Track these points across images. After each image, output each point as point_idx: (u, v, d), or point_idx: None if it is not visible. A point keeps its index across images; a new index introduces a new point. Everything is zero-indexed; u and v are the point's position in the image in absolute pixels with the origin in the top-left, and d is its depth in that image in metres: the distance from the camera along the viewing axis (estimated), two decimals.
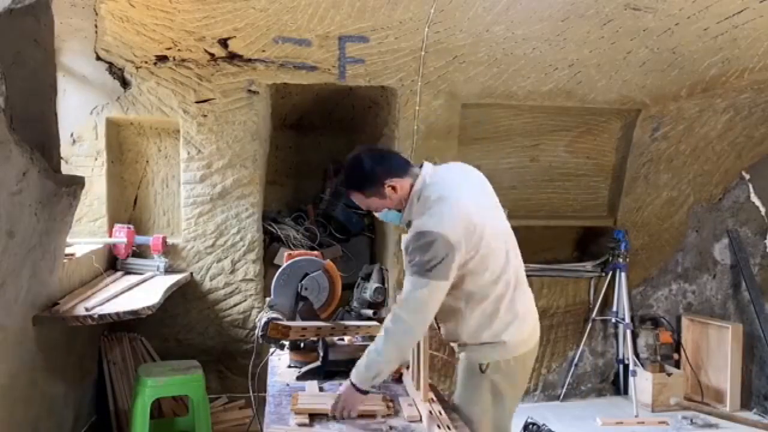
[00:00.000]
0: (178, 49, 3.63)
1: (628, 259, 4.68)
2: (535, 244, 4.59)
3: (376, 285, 2.71)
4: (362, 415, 2.10)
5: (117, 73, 3.76)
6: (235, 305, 4.04)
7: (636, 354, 4.71)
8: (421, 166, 2.27)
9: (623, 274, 4.67)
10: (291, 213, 4.50)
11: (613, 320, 4.81)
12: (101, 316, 2.89)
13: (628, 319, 4.65)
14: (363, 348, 2.53)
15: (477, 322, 2.21)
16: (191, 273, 3.95)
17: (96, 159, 3.83)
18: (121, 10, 3.33)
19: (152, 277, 3.75)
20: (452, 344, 2.33)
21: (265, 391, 2.44)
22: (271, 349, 2.61)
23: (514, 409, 2.38)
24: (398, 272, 3.94)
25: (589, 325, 4.79)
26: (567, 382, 4.80)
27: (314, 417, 2.09)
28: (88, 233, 3.81)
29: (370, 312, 2.70)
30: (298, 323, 2.46)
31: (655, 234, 4.86)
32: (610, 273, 4.76)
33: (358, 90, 4.09)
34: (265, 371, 2.59)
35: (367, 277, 2.79)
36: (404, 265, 2.20)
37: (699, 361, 4.88)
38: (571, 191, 4.75)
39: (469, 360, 2.27)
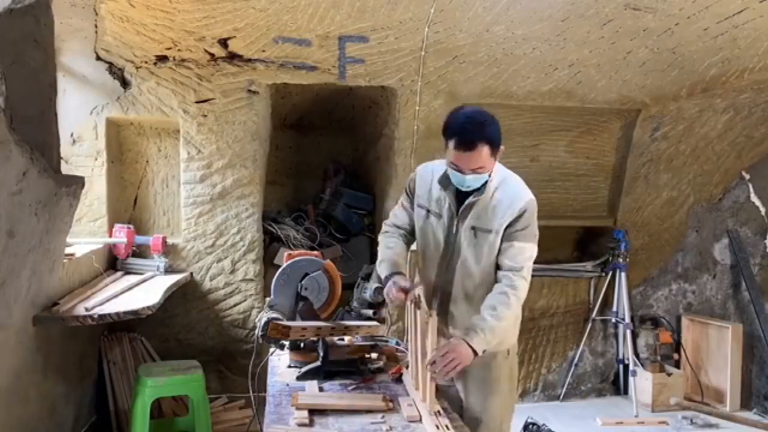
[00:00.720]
0: (178, 49, 3.63)
1: (628, 259, 4.68)
2: None
3: (376, 285, 2.70)
4: (361, 411, 2.11)
5: (117, 73, 3.76)
6: (235, 305, 4.04)
7: (636, 354, 4.71)
8: None
9: (623, 274, 4.67)
10: (291, 213, 4.50)
11: (613, 320, 4.81)
12: (101, 316, 2.89)
13: (628, 319, 4.65)
14: (363, 348, 2.55)
15: None
16: (191, 273, 3.95)
17: (96, 159, 3.83)
18: (121, 10, 3.33)
19: (152, 277, 3.75)
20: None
21: (265, 391, 2.44)
22: (271, 349, 2.61)
23: None
24: None
25: (589, 325, 4.79)
26: (567, 382, 4.80)
27: (314, 417, 2.08)
28: (88, 233, 3.81)
29: (370, 312, 2.69)
30: (298, 323, 2.45)
31: (655, 234, 4.86)
32: (610, 273, 4.77)
33: (358, 90, 4.09)
34: (265, 371, 2.59)
35: (367, 277, 2.78)
36: (510, 231, 2.25)
37: (699, 361, 4.88)
38: (571, 191, 4.75)
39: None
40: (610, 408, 4.67)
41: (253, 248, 4.01)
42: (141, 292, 3.37)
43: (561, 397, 4.79)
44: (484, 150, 2.17)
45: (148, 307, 3.05)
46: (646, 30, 3.61)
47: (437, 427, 1.96)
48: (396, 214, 2.57)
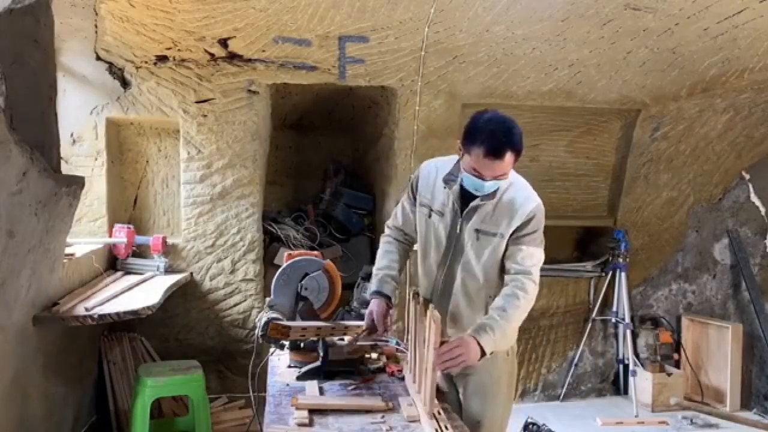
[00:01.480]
0: (178, 49, 3.63)
1: (628, 259, 4.68)
2: None
3: None
4: (361, 411, 2.11)
5: (117, 73, 3.76)
6: (235, 305, 4.04)
7: (636, 354, 4.71)
8: None
9: (623, 274, 4.67)
10: (291, 213, 4.50)
11: (613, 320, 4.81)
12: (101, 316, 2.89)
13: (628, 319, 4.65)
14: (363, 348, 2.55)
15: None
16: (191, 273, 3.95)
17: (96, 159, 3.83)
18: (121, 10, 3.33)
19: (152, 277, 3.75)
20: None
21: (265, 391, 2.44)
22: (271, 349, 2.61)
23: None
24: None
25: (589, 325, 4.79)
26: (567, 382, 4.80)
27: (314, 417, 2.08)
28: (88, 233, 3.81)
29: None
30: (298, 323, 2.45)
31: (655, 234, 4.86)
32: (610, 273, 4.77)
33: (358, 90, 4.09)
34: (265, 371, 2.59)
35: (367, 277, 2.79)
36: (518, 235, 2.23)
37: (699, 361, 4.88)
38: (571, 191, 4.75)
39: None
40: (610, 408, 4.67)
41: (253, 248, 4.01)
42: (141, 292, 3.37)
43: (561, 397, 4.79)
44: (511, 158, 2.16)
45: (148, 307, 3.05)
46: (646, 30, 3.61)
47: (436, 429, 1.96)
48: (397, 214, 2.56)
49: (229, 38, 3.57)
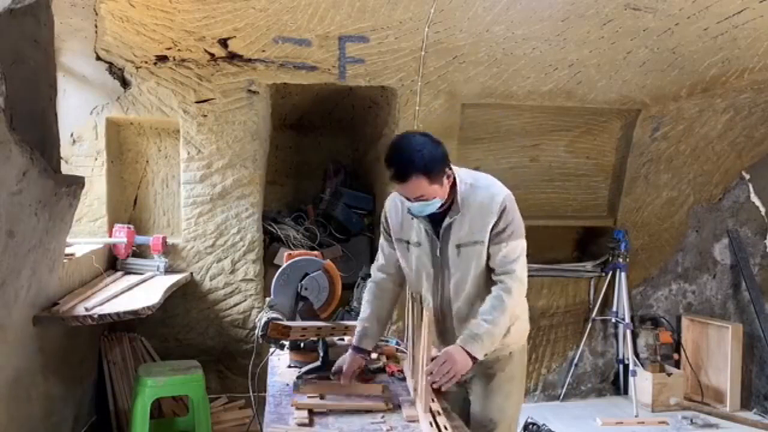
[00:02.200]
0: (178, 49, 3.63)
1: (628, 259, 4.68)
2: (535, 244, 4.57)
3: None
4: (361, 411, 2.11)
5: (117, 73, 3.76)
6: (235, 305, 4.04)
7: (636, 354, 4.71)
8: None
9: (623, 274, 4.67)
10: (291, 213, 4.50)
11: (613, 320, 4.81)
12: (101, 316, 2.89)
13: (628, 319, 4.65)
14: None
15: None
16: (191, 273, 3.95)
17: (96, 159, 3.83)
18: (121, 10, 3.33)
19: (152, 277, 3.75)
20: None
21: (265, 391, 2.44)
22: (271, 349, 2.61)
23: None
24: None
25: (589, 325, 4.79)
26: (567, 382, 4.80)
27: (314, 417, 2.08)
28: (88, 233, 3.81)
29: None
30: (299, 323, 2.46)
31: (655, 234, 4.86)
32: (610, 273, 4.77)
33: (358, 90, 4.09)
34: (265, 371, 2.59)
35: (367, 277, 2.79)
36: (495, 233, 2.19)
37: (699, 361, 4.88)
38: (571, 191, 4.75)
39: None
40: (610, 408, 4.67)
41: (253, 248, 4.01)
42: (141, 292, 3.37)
43: (561, 397, 4.79)
44: (420, 181, 2.09)
45: (148, 307, 3.05)
46: (646, 30, 3.61)
47: (433, 425, 1.96)
48: (378, 257, 2.51)
49: (229, 38, 3.57)
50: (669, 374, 4.65)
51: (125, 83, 3.78)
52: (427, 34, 3.59)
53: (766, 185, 4.90)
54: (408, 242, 2.33)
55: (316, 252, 2.85)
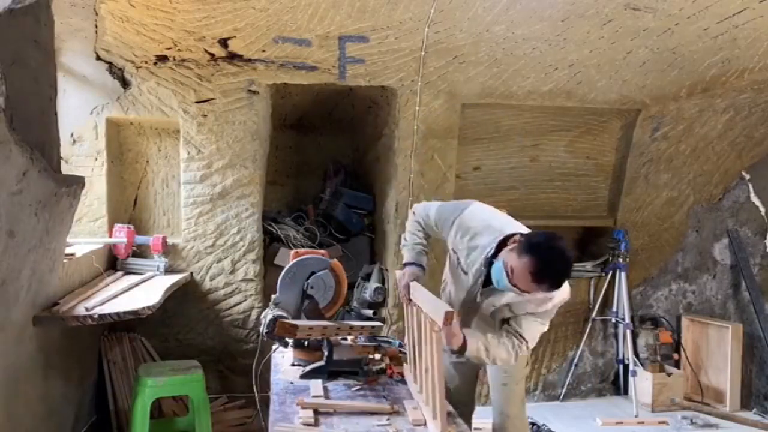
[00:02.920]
0: (178, 49, 3.62)
1: (628, 259, 4.68)
2: None
3: (376, 285, 2.71)
4: (366, 413, 2.11)
5: (117, 73, 3.76)
6: (235, 305, 4.04)
7: (636, 354, 4.71)
8: None
9: (623, 274, 4.67)
10: (291, 213, 4.50)
11: (613, 320, 4.81)
12: (101, 316, 2.89)
13: (628, 319, 4.65)
14: (364, 348, 2.55)
15: None
16: (191, 273, 3.95)
17: (96, 159, 3.83)
18: (121, 10, 3.33)
19: (152, 277, 3.75)
20: None
21: (267, 390, 2.44)
22: (274, 347, 2.60)
23: None
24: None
25: (589, 325, 4.79)
26: (567, 382, 4.80)
27: (319, 417, 2.08)
28: (88, 233, 3.81)
29: (370, 312, 2.70)
30: (305, 322, 2.45)
31: (655, 234, 4.86)
32: (610, 273, 4.76)
33: (358, 90, 4.09)
34: (267, 369, 2.59)
35: (367, 277, 2.79)
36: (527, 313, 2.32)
37: (699, 361, 4.88)
38: (571, 191, 4.75)
39: None
40: (610, 408, 4.67)
41: (253, 248, 4.01)
42: (141, 292, 3.37)
43: (561, 397, 4.79)
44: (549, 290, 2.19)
45: (148, 307, 3.05)
46: (646, 30, 3.61)
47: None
48: (430, 214, 2.57)
49: (229, 38, 3.56)
50: (669, 374, 4.65)
51: (125, 83, 3.77)
52: (427, 34, 3.58)
53: (766, 185, 4.90)
54: (459, 260, 2.44)
55: (322, 251, 2.85)
